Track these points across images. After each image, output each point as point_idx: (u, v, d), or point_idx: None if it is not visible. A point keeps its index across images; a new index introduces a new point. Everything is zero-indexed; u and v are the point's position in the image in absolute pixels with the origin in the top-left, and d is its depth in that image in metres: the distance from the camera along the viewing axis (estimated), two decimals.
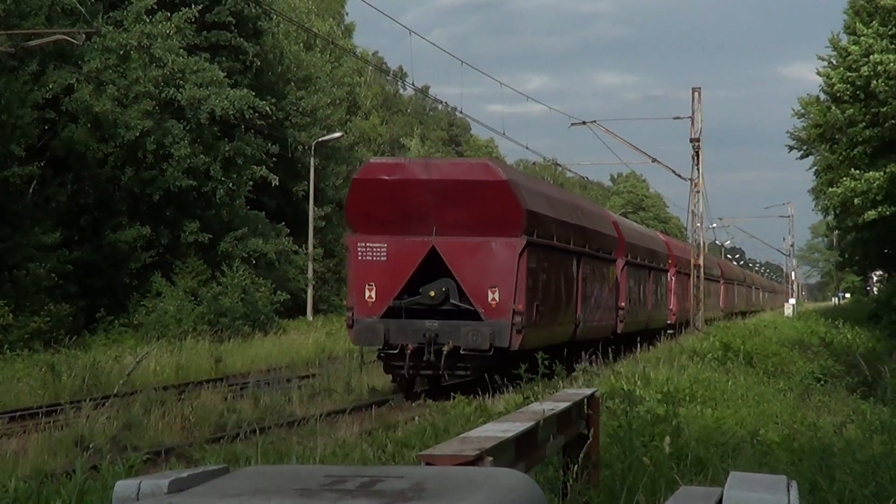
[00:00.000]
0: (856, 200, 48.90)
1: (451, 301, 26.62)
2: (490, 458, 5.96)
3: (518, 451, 7.05)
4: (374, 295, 26.75)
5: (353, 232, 27.90)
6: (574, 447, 9.10)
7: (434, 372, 26.58)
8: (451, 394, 21.09)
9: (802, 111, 59.25)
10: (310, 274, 57.28)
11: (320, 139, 59.20)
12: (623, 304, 39.18)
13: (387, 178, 26.71)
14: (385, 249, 26.74)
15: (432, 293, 26.67)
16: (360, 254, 27.14)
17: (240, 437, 17.88)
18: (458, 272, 26.25)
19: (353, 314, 27.11)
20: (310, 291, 57.12)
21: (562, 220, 30.72)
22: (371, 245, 26.94)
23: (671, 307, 50.91)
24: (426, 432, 15.72)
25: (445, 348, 25.68)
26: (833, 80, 50.35)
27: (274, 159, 55.46)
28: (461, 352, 25.74)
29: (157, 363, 32.31)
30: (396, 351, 26.44)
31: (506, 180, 26.52)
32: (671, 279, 51.46)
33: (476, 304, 26.07)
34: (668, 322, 49.68)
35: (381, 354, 27.48)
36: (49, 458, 16.97)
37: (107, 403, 20.52)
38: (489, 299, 25.94)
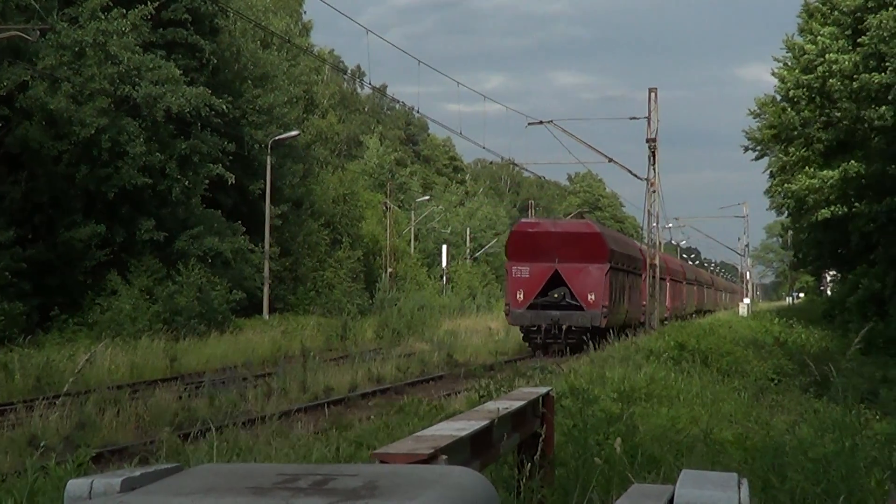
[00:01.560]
0: (810, 199, 49.23)
1: (567, 300, 43.90)
2: (444, 457, 5.97)
3: (473, 449, 7.05)
4: (522, 296, 43.74)
5: (509, 260, 45.16)
6: (529, 446, 9.11)
7: (555, 340, 42.92)
8: (562, 351, 40.69)
9: (758, 111, 59.65)
10: (266, 273, 57.08)
11: (277, 137, 58.98)
12: (645, 302, 54.39)
13: (531, 231, 45.36)
14: (529, 270, 43.86)
15: (556, 295, 44.01)
16: (514, 272, 44.35)
17: (193, 436, 17.81)
18: (571, 283, 43.75)
19: (509, 307, 44.28)
20: (266, 290, 56.93)
21: (623, 253, 49.20)
22: (521, 268, 44.15)
23: (666, 304, 64.91)
24: (381, 431, 15.73)
25: (564, 326, 43.14)
26: (788, 83, 50.70)
27: (230, 157, 55.27)
28: (573, 328, 43.08)
29: (112, 362, 32.14)
30: (535, 328, 43.85)
31: (599, 233, 45.72)
32: (665, 283, 64.63)
33: (581, 302, 43.42)
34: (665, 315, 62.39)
35: (525, 330, 44.61)
36: (1, 458, 16.86)
37: (58, 402, 20.36)
38: (588, 299, 43.23)
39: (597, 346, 35.30)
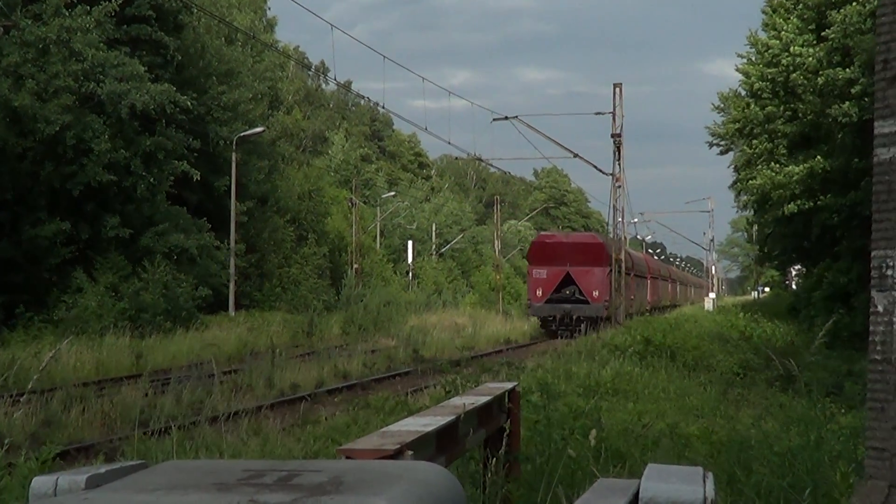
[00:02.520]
0: (774, 194, 49.39)
1: (576, 296, 53.90)
2: (410, 452, 5.97)
3: (439, 445, 7.06)
4: (541, 293, 53.93)
5: (530, 264, 56.05)
6: (495, 441, 9.13)
7: (567, 327, 51.98)
8: (572, 335, 48.23)
9: (721, 105, 59.82)
10: (232, 269, 56.93)
11: (242, 134, 58.83)
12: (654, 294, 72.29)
13: (548, 241, 56.52)
14: (546, 272, 54.14)
15: (567, 292, 54.20)
16: (534, 274, 54.98)
17: (159, 433, 17.75)
18: (579, 283, 53.86)
19: (531, 302, 55.20)
20: (231, 287, 56.78)
21: (632, 258, 61.43)
22: (539, 270, 54.67)
23: (647, 298, 74.99)
24: (348, 427, 15.73)
25: (574, 316, 52.75)
26: (752, 77, 50.87)
27: (195, 154, 55.04)
28: (581, 318, 52.19)
29: (77, 359, 32.00)
30: (551, 318, 53.78)
31: (602, 243, 55.90)
32: (647, 282, 75.44)
33: (587, 297, 53.54)
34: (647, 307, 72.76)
35: (542, 320, 54.42)
36: None
37: (23, 399, 20.26)
38: (593, 295, 53.42)
39: (597, 330, 44.24)
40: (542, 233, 68.54)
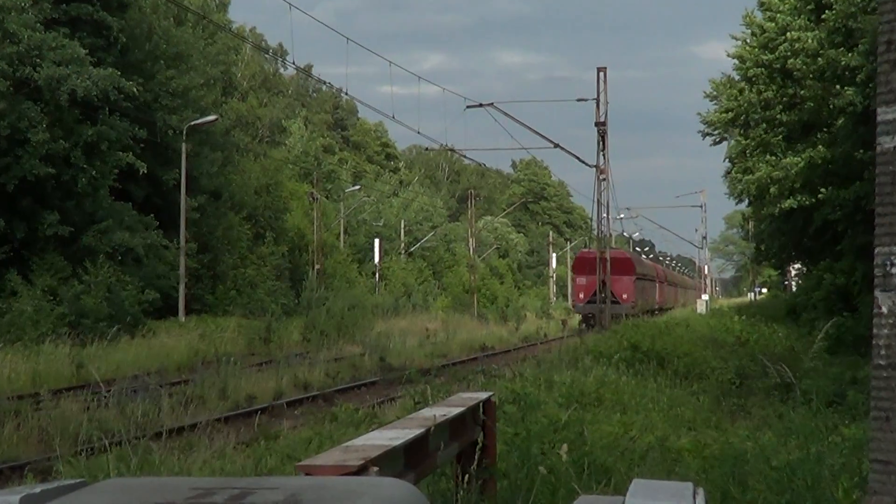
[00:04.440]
0: (772, 189, 49.56)
1: (610, 298, 64.95)
2: (376, 469, 5.97)
3: (407, 460, 7.06)
4: (582, 296, 69.54)
5: (574, 273, 75.73)
6: (469, 455, 9.13)
7: (603, 323, 60.61)
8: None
9: (714, 93, 59.94)
10: (182, 271, 56.78)
11: (193, 122, 58.64)
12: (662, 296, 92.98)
13: (588, 256, 69.32)
14: (586, 280, 68.72)
15: (603, 295, 64.81)
16: (577, 281, 71.04)
17: (101, 449, 17.66)
18: (613, 288, 65.70)
19: (575, 303, 73.55)
20: (182, 290, 56.63)
21: (644, 270, 79.84)
22: (581, 279, 70.26)
23: (657, 299, 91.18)
24: (309, 442, 15.72)
25: (610, 314, 62.09)
26: (747, 62, 51.01)
27: (142, 145, 54.86)
28: (613, 315, 60.98)
29: (12, 370, 31.82)
30: (591, 315, 66.62)
31: (629, 257, 74.83)
32: (657, 285, 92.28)
33: (619, 299, 67.81)
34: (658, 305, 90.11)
35: (584, 316, 69.08)
36: None
37: None
38: (623, 297, 68.96)
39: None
40: (583, 250, 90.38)
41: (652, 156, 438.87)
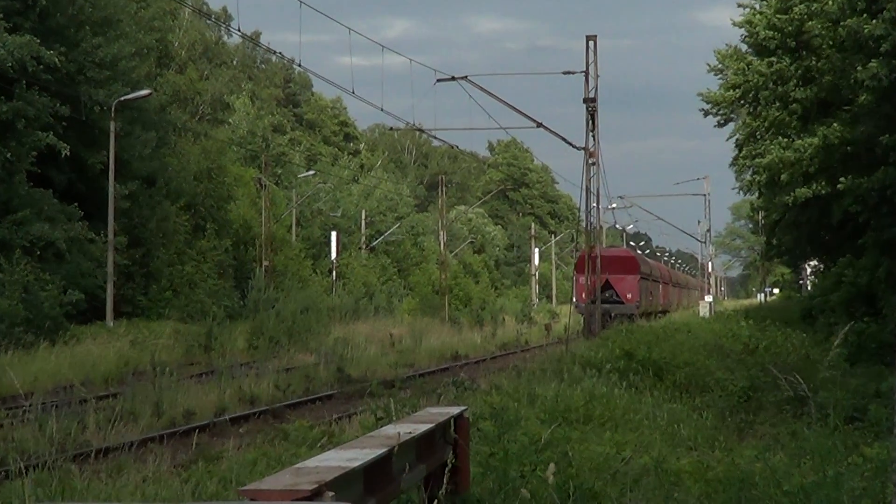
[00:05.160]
0: (784, 174, 49.63)
1: (614, 297, 73.36)
2: (331, 493, 5.98)
3: (367, 484, 7.07)
4: (585, 296, 66.43)
5: (576, 272, 73.34)
6: (438, 479, 9.14)
7: (607, 323, 64.03)
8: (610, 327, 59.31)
9: (720, 66, 59.98)
10: (110, 268, 56.58)
11: (123, 98, 58.43)
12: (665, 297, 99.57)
13: (591, 255, 64.63)
14: (589, 279, 66.88)
15: (607, 294, 70.14)
16: (580, 280, 69.66)
17: (15, 473, 17.60)
18: (616, 287, 74.64)
19: (577, 302, 70.19)
20: (110, 290, 56.45)
21: (649, 270, 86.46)
22: (583, 277, 67.07)
23: (661, 300, 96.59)
24: (255, 464, 15.72)
25: (612, 314, 69.42)
26: (758, 26, 51.01)
27: (64, 123, 54.71)
28: (617, 315, 69.26)
29: None
30: (593, 316, 65.52)
31: (634, 256, 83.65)
32: (660, 286, 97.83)
33: (623, 298, 75.17)
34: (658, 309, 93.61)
35: (584, 318, 66.57)
36: None
37: None
38: (627, 297, 75.67)
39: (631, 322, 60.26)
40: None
41: (648, 137, 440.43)
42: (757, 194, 71.00)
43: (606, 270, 72.98)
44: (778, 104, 52.07)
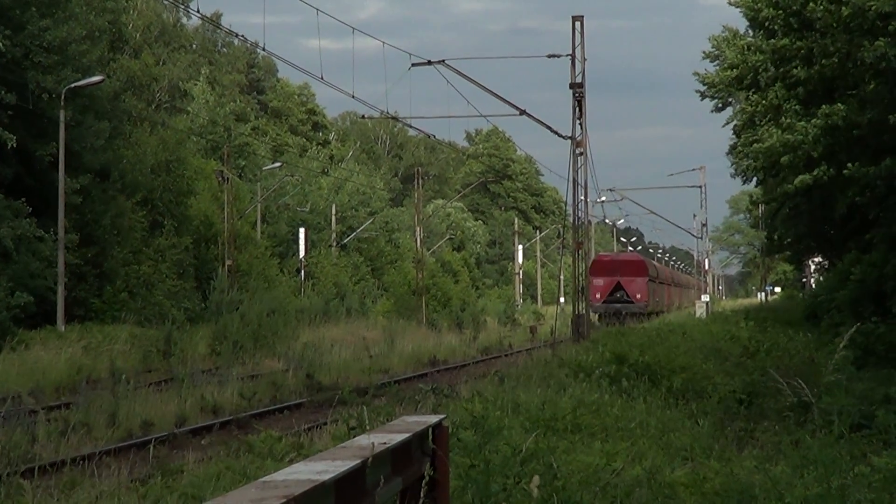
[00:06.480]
0: (784, 159, 49.61)
1: (625, 298, 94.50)
2: None
3: (339, 498, 7.09)
4: (599, 296, 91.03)
5: (591, 275, 76.53)
6: (415, 493, 9.17)
7: (618, 321, 78.23)
8: (622, 323, 77.47)
9: (715, 52, 60.05)
10: (61, 268, 56.44)
11: (73, 84, 58.28)
12: (669, 298, 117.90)
13: (605, 259, 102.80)
14: (603, 281, 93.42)
15: (618, 295, 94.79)
16: (594, 283, 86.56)
17: None
18: (627, 289, 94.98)
19: (592, 303, 79.07)
20: (61, 292, 56.32)
21: (656, 273, 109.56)
22: (598, 280, 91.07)
23: (666, 301, 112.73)
24: (218, 478, 15.73)
25: (623, 313, 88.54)
26: (759, 3, 51.05)
27: (9, 112, 54.63)
28: (627, 314, 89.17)
29: None
30: (606, 314, 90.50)
31: (643, 260, 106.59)
32: (665, 287, 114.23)
33: (633, 299, 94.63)
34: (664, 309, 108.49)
35: (600, 315, 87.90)
36: None
37: None
38: (637, 297, 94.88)
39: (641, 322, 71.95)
40: (601, 253, 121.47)
41: (640, 125, 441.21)
42: (756, 184, 71.09)
43: (618, 273, 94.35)
44: (779, 84, 52.14)
